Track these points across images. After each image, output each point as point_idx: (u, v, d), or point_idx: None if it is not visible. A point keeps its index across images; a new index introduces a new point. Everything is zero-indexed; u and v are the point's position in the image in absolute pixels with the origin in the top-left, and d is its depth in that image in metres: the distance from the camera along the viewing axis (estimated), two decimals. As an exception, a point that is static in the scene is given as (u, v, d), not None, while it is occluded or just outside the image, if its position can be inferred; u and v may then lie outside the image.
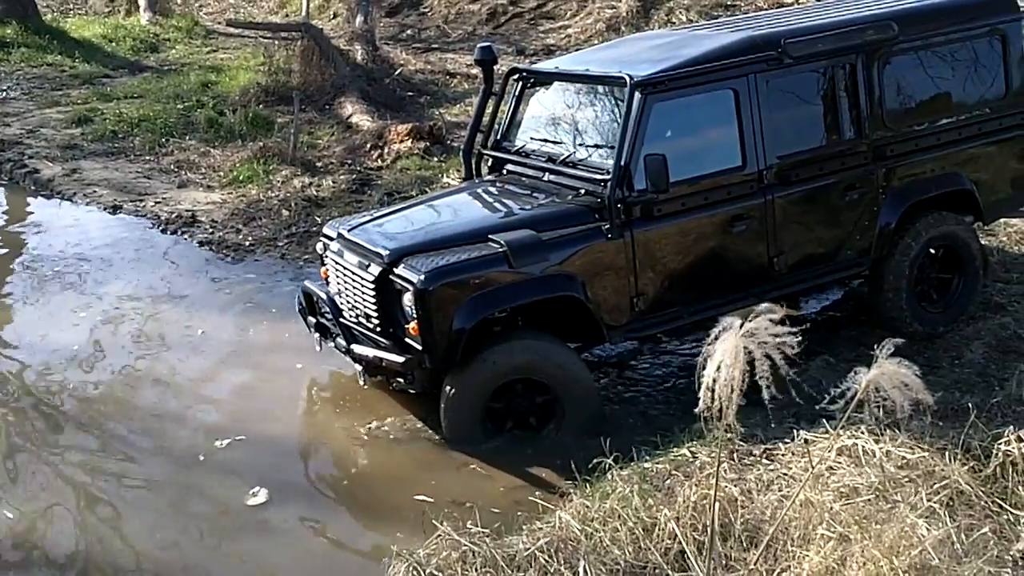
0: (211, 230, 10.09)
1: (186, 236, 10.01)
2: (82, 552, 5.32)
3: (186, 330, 7.91)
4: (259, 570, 5.13)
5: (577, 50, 14.86)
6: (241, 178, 11.40)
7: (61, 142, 13.42)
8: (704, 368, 3.16)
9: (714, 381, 3.06)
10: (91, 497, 5.80)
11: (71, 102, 15.47)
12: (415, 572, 4.41)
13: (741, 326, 3.12)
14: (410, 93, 14.94)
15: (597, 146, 6.32)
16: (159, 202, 11.03)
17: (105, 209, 10.97)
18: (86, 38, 19.81)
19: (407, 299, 5.73)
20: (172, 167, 12.29)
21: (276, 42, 15.88)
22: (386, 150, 11.91)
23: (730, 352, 3.03)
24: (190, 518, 5.57)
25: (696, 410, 3.23)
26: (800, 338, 3.17)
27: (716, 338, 3.14)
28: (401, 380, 6.12)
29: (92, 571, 5.19)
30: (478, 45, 7.24)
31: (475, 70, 15.19)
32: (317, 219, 10.04)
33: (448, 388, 5.87)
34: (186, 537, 5.40)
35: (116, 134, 13.65)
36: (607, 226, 5.93)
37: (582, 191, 6.15)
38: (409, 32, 19.75)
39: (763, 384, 3.11)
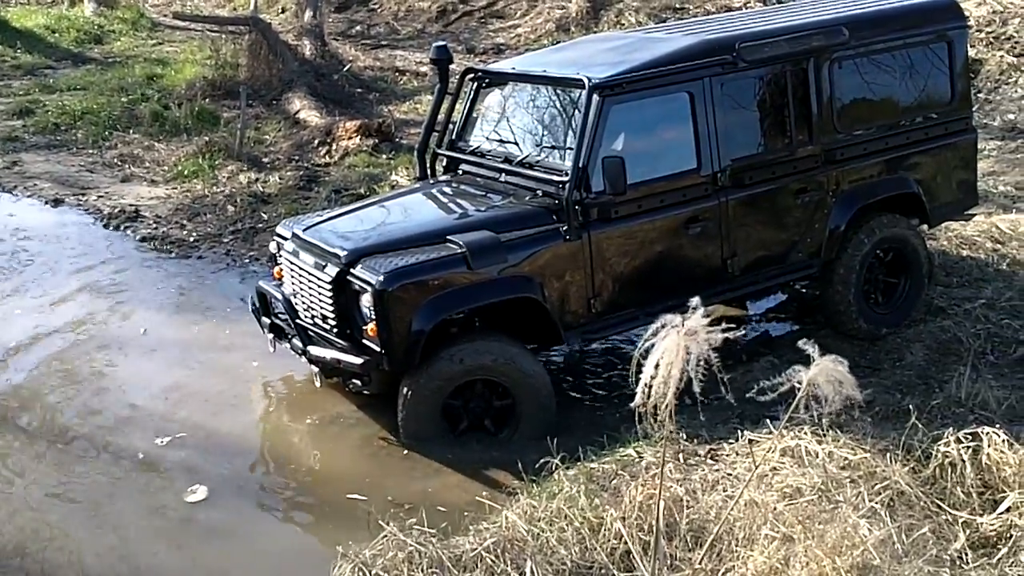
0: (155, 225, 9.97)
1: (129, 231, 9.88)
2: (18, 550, 5.21)
3: (128, 327, 7.79)
4: (198, 568, 5.06)
5: (527, 50, 14.93)
6: (186, 173, 11.27)
7: (1, 134, 13.18)
8: (641, 364, 3.14)
9: (652, 378, 3.05)
10: (28, 495, 5.69)
11: (12, 93, 15.21)
12: (360, 572, 4.38)
13: (682, 324, 3.12)
14: (359, 89, 14.86)
15: (554, 147, 6.32)
16: (102, 196, 10.88)
17: (47, 203, 10.81)
18: (28, 28, 19.46)
19: (365, 300, 5.69)
20: (115, 161, 12.13)
21: (223, 36, 15.73)
22: (334, 146, 11.83)
23: (670, 350, 3.02)
24: (127, 515, 5.49)
25: (632, 404, 3.21)
26: (743, 335, 3.19)
27: (654, 333, 3.12)
28: (358, 382, 6.07)
29: (28, 570, 5.08)
30: (433, 44, 7.19)
31: (424, 68, 15.25)
32: (263, 215, 9.96)
33: (407, 386, 5.83)
34: (123, 534, 5.32)
35: (59, 127, 13.45)
36: (565, 227, 5.93)
37: (539, 192, 6.14)
38: (358, 28, 19.66)
39: (696, 382, 3.10)
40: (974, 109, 8.48)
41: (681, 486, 4.77)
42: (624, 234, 6.12)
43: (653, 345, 3.10)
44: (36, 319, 7.95)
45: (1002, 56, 13.17)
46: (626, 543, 4.42)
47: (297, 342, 6.22)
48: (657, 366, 3.06)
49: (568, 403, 6.41)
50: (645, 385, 3.10)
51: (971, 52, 11.09)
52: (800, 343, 3.31)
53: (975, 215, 8.02)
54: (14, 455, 6.15)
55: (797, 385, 3.21)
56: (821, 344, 3.34)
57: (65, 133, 13.26)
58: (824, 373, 3.18)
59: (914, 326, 7.01)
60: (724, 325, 3.17)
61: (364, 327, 5.75)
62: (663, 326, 3.11)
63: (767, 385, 3.19)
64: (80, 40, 19.28)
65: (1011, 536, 4.49)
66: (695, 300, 3.22)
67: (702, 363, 3.07)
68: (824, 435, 5.00)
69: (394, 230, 6.18)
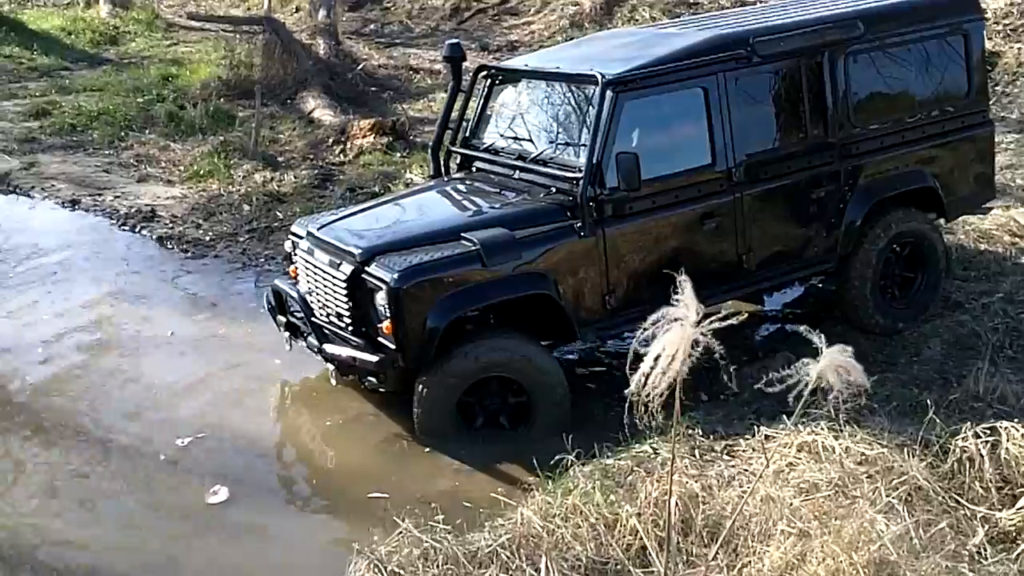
0: (171, 225, 10.00)
1: (145, 231, 9.91)
2: (41, 551, 5.24)
3: (146, 327, 7.81)
4: (220, 569, 5.07)
5: (541, 47, 14.91)
6: (201, 173, 11.30)
7: (19, 135, 13.24)
8: (640, 356, 3.10)
9: (651, 369, 3.02)
10: (51, 496, 5.71)
11: (29, 95, 15.28)
12: (376, 569, 4.39)
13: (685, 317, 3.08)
14: (373, 88, 14.88)
15: (568, 144, 6.30)
16: (118, 196, 10.91)
17: (64, 204, 10.85)
18: (44, 30, 19.57)
19: (380, 298, 5.69)
20: (131, 161, 12.17)
21: (238, 36, 15.79)
22: (348, 145, 11.85)
23: (672, 343, 2.99)
24: (150, 517, 5.50)
25: (626, 392, 3.17)
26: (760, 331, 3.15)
27: (653, 323, 3.08)
28: (373, 379, 6.06)
29: (50, 571, 5.10)
30: (447, 42, 7.19)
31: (438, 66, 15.25)
32: (278, 214, 9.98)
33: (422, 384, 5.83)
34: (146, 536, 5.33)
35: (75, 127, 13.50)
36: (579, 224, 5.92)
37: (553, 189, 6.13)
38: (372, 27, 19.68)
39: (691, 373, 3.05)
40: (991, 102, 8.42)
41: (697, 482, 4.76)
42: (639, 230, 6.11)
43: (653, 336, 3.05)
44: (55, 320, 7.97)
45: (1020, 49, 13.08)
46: (641, 539, 4.42)
47: (312, 340, 6.23)
48: (657, 358, 3.02)
49: (583, 399, 6.40)
50: (642, 375, 3.05)
51: (988, 45, 11.00)
52: (803, 330, 3.27)
53: (993, 209, 7.98)
54: (36, 455, 6.17)
55: (806, 379, 3.17)
56: (838, 339, 3.32)
57: (81, 134, 13.31)
58: (832, 364, 3.15)
59: (931, 321, 6.97)
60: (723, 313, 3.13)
61: (379, 325, 5.76)
62: (662, 317, 3.07)
63: (775, 377, 3.15)
64: (95, 41, 19.37)
65: (1030, 531, 4.47)
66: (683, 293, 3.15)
67: (700, 354, 3.03)
68: (841, 430, 4.97)
69: (408, 228, 6.19)
